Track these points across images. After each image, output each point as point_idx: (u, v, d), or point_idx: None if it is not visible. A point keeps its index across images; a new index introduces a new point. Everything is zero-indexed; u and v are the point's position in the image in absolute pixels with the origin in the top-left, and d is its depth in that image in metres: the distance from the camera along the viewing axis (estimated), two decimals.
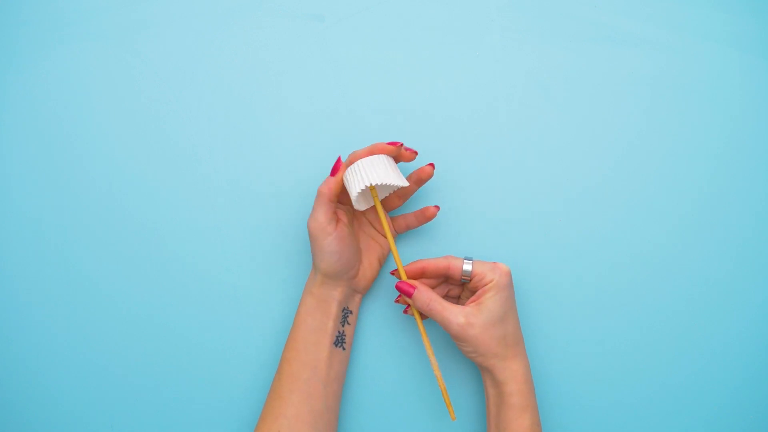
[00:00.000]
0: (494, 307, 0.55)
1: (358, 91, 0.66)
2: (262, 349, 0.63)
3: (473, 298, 0.57)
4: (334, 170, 0.57)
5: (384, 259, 0.63)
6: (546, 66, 0.66)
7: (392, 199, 0.62)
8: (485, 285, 0.57)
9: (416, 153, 0.59)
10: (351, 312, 0.61)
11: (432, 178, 0.64)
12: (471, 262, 0.58)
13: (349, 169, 0.56)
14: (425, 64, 0.66)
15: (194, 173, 0.66)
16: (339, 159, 0.58)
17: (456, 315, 0.55)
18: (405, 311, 0.61)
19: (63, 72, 0.67)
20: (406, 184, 0.57)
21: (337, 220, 0.58)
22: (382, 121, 0.66)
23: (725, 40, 0.66)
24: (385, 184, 0.55)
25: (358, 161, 0.56)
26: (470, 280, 0.58)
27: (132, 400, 0.64)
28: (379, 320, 0.64)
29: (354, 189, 0.55)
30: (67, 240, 0.65)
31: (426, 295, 0.57)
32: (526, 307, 0.63)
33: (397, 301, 0.60)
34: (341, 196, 0.61)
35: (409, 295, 0.57)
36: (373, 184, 0.55)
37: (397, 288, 0.58)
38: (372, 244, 0.62)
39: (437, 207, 0.61)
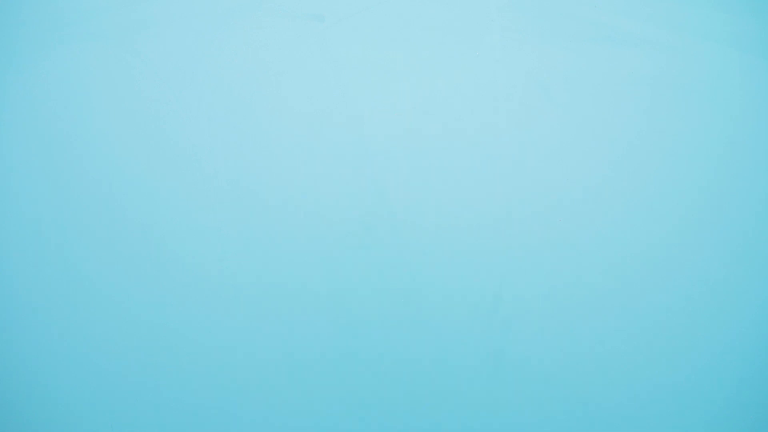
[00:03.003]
0: None
1: (358, 91, 0.66)
2: (263, 349, 0.63)
3: None
4: None
5: None
6: (546, 66, 0.66)
7: None
8: None
9: None
10: None
11: (431, 178, 0.64)
12: None
13: None
14: (425, 64, 0.66)
15: (194, 173, 0.66)
16: None
17: None
18: None
19: (63, 72, 0.67)
20: None
21: None
22: (382, 122, 0.66)
23: (725, 40, 0.66)
24: None
25: None
26: None
27: (132, 400, 0.64)
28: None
29: None
30: (67, 240, 0.65)
31: None
32: (526, 307, 0.63)
33: None
34: None
35: None
36: None
37: None
38: None
39: None
